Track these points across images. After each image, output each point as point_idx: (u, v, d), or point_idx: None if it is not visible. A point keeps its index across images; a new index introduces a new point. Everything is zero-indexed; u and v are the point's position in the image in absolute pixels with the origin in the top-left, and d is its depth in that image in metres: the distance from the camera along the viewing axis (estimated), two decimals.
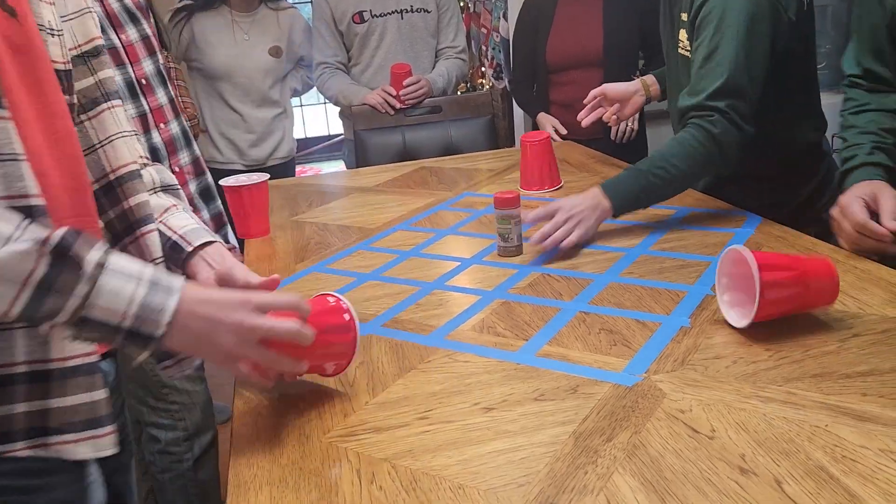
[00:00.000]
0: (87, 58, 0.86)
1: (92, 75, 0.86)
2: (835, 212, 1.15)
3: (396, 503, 0.69)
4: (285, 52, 2.56)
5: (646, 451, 0.74)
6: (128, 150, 0.87)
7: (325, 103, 5.90)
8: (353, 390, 0.91)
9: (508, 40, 4.60)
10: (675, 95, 1.54)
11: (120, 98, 0.90)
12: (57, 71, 0.79)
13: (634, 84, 1.78)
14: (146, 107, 1.53)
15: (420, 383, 0.91)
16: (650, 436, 0.76)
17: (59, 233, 0.65)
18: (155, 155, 1.53)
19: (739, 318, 0.96)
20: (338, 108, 2.68)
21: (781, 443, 0.73)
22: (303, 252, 1.44)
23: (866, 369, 0.85)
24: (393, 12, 2.52)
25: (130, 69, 1.50)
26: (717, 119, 1.31)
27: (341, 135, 2.92)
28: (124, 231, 0.87)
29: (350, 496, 0.71)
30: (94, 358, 0.76)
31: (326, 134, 6.42)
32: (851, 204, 1.11)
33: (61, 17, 0.83)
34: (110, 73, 0.89)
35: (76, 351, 0.74)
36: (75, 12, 0.86)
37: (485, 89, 4.70)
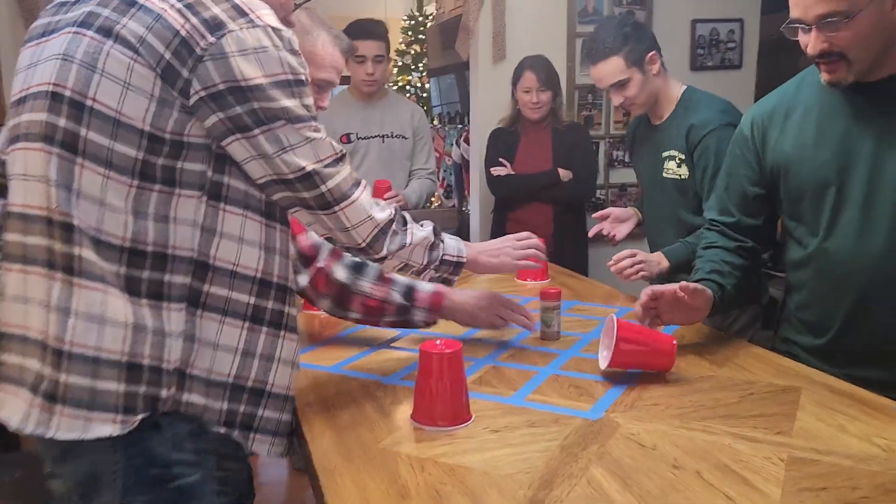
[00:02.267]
0: None
1: None
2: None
3: (443, 482, 1.00)
4: None
5: (610, 456, 1.07)
6: None
7: None
8: (391, 419, 1.21)
9: (461, 164, 5.12)
10: (653, 209, 2.16)
11: None
12: None
13: (631, 210, 2.28)
14: None
15: None
16: (612, 448, 1.10)
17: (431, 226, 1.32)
18: None
19: (602, 361, 1.38)
20: None
21: (700, 453, 1.08)
22: (315, 331, 1.74)
23: (757, 413, 1.21)
24: (376, 136, 2.94)
25: None
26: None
27: None
28: None
29: (410, 478, 1.01)
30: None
31: None
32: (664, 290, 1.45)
33: None
34: None
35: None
36: None
37: (437, 206, 5.12)
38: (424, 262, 1.28)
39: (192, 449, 1.01)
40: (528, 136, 2.95)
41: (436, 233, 1.31)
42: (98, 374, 0.94)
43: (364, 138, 2.93)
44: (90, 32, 0.97)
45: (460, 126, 5.39)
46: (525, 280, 2.17)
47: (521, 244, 1.51)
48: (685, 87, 2.08)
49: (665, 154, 2.06)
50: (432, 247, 1.29)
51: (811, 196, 1.43)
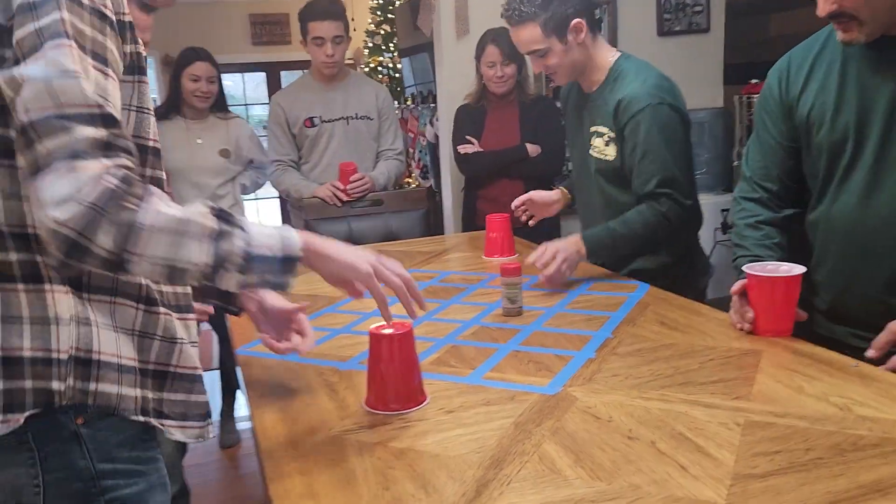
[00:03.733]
0: None
1: None
2: (732, 291, 1.44)
3: (391, 466, 0.98)
4: (233, 155, 2.89)
5: (565, 431, 1.05)
6: None
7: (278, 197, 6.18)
8: (344, 404, 1.19)
9: (435, 144, 5.07)
10: (582, 188, 2.02)
11: None
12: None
13: (556, 193, 2.18)
14: None
15: None
16: (567, 422, 1.08)
17: (210, 204, 0.87)
18: None
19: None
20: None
21: (656, 422, 1.06)
22: None
23: (716, 379, 1.20)
24: (340, 119, 2.90)
25: None
26: (663, 201, 1.76)
27: None
28: None
29: (358, 463, 0.99)
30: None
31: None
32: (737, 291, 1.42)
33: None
34: None
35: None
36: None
37: (411, 188, 5.09)
38: (205, 260, 0.84)
39: (127, 458, 0.95)
40: (494, 111, 2.91)
41: (228, 217, 0.87)
42: None
43: (328, 121, 2.89)
44: None
45: (433, 105, 5.33)
46: (492, 257, 2.14)
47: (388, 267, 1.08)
48: (617, 55, 1.88)
49: (593, 129, 1.90)
50: (218, 236, 0.85)
51: (828, 155, 1.39)
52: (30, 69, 0.78)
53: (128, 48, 0.92)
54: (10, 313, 0.86)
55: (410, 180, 5.64)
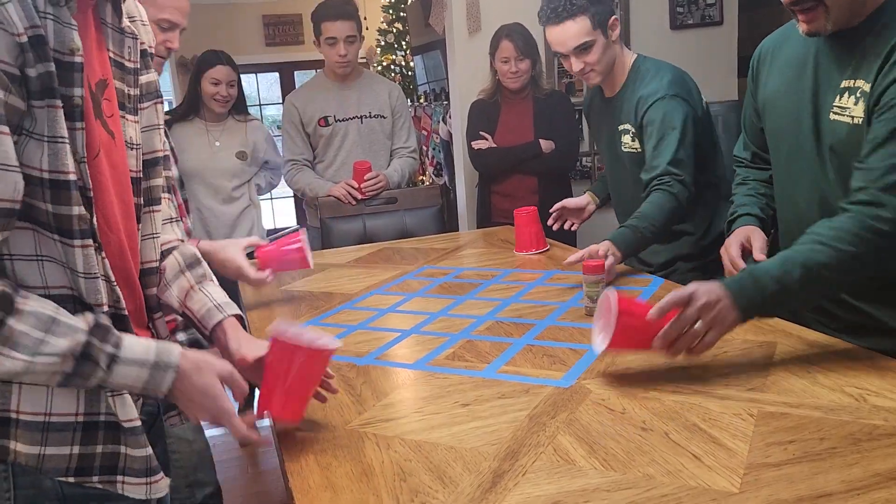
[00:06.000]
0: (147, 166, 1.06)
1: (146, 180, 1.07)
2: (721, 250, 1.55)
3: (408, 459, 0.99)
4: (250, 157, 2.92)
5: (579, 423, 1.06)
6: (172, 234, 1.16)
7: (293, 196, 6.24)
8: (361, 399, 1.21)
9: (448, 141, 5.09)
10: (617, 185, 2.12)
11: (161, 199, 1.10)
12: (132, 179, 1.02)
13: (585, 198, 2.23)
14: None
15: (411, 393, 1.22)
16: (581, 414, 1.09)
17: (83, 338, 0.84)
18: None
19: (599, 344, 1.18)
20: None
21: (670, 414, 1.07)
22: (297, 311, 1.74)
23: (730, 371, 1.20)
24: (354, 118, 2.92)
25: None
26: (672, 182, 1.83)
27: (286, 228, 3.25)
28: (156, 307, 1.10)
29: (376, 456, 1.00)
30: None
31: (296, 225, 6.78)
32: (731, 245, 1.51)
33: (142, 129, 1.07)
34: (160, 182, 1.09)
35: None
36: (146, 127, 1.08)
37: (425, 185, 5.11)
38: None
39: None
40: (508, 106, 2.92)
41: (94, 329, 0.86)
42: None
43: (342, 120, 2.90)
44: None
45: (446, 103, 5.35)
46: (524, 251, 2.15)
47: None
48: (635, 56, 2.01)
49: (621, 127, 2.02)
50: (83, 355, 0.85)
51: (772, 141, 1.48)
52: None
53: (33, 70, 0.81)
54: None
55: (424, 178, 5.66)
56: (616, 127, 2.03)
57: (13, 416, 0.88)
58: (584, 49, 1.91)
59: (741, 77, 3.71)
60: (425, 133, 5.53)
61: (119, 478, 0.93)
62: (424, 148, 5.44)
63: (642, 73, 1.96)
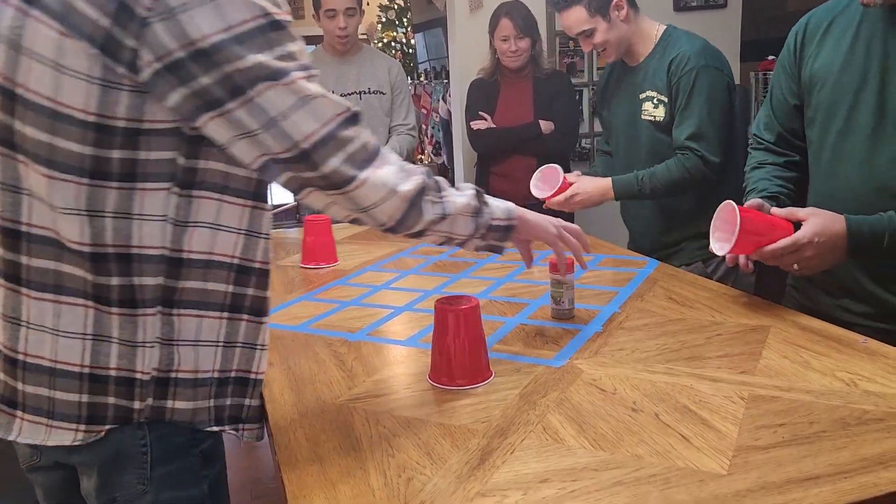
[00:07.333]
0: None
1: None
2: None
3: (396, 434, 0.99)
4: None
5: (569, 402, 1.06)
6: None
7: None
8: (351, 374, 1.20)
9: (448, 120, 5.06)
10: (633, 154, 2.09)
11: None
12: None
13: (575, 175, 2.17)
14: None
15: (402, 369, 1.22)
16: (572, 394, 1.08)
17: (473, 188, 1.08)
18: None
19: (720, 248, 1.30)
20: None
21: (661, 395, 1.06)
22: (291, 286, 1.73)
23: (722, 353, 1.20)
24: (353, 93, 2.89)
25: None
26: (689, 156, 1.90)
27: (285, 204, 3.23)
28: None
29: (364, 431, 1.00)
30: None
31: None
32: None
33: None
34: None
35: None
36: None
37: (424, 164, 5.09)
38: (469, 232, 1.05)
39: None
40: (508, 86, 2.89)
41: (479, 196, 1.07)
42: (55, 384, 0.89)
43: (341, 95, 2.87)
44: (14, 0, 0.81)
45: (446, 81, 5.31)
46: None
47: (567, 229, 1.26)
48: (665, 27, 2.03)
49: (643, 95, 2.02)
50: (476, 212, 1.05)
51: (822, 118, 1.40)
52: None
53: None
54: (102, 333, 0.87)
55: (423, 157, 5.63)
56: (637, 95, 2.03)
57: (173, 375, 0.91)
58: (587, 35, 1.97)
59: (743, 61, 3.68)
60: (425, 111, 5.50)
61: (240, 425, 0.99)
62: (424, 126, 5.41)
63: (674, 39, 1.98)
